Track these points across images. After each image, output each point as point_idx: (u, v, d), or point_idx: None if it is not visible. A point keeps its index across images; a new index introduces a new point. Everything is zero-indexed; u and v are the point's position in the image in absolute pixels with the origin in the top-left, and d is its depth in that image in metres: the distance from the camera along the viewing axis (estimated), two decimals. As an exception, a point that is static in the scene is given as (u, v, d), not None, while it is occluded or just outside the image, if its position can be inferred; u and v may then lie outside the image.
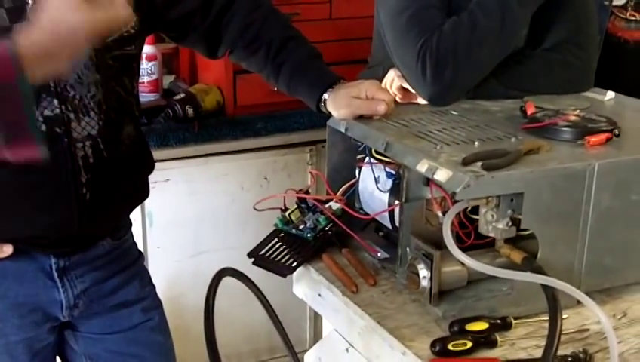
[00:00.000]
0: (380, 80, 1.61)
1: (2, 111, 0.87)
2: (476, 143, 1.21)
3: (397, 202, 1.25)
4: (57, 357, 1.53)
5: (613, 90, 1.55)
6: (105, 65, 1.31)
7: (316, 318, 2.59)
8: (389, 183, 1.29)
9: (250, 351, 2.59)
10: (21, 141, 0.90)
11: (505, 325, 1.12)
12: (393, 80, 1.63)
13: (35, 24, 0.90)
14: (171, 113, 2.34)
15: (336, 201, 1.38)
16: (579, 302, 1.09)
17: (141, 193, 1.52)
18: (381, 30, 1.63)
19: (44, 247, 1.35)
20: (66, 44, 0.90)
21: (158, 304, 1.56)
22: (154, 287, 1.57)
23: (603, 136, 1.22)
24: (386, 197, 1.29)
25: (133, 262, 1.52)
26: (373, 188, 1.33)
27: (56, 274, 1.38)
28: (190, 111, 2.34)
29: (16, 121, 0.89)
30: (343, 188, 1.39)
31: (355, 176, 1.38)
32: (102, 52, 1.29)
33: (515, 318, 1.13)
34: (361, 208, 1.38)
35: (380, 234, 1.38)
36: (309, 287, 1.35)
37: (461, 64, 1.46)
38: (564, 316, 1.02)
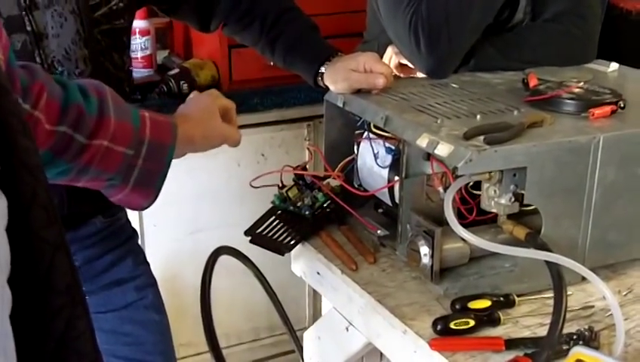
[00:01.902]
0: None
1: (148, 161, 1.04)
2: (478, 117, 1.18)
3: (397, 178, 1.22)
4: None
5: (614, 62, 1.52)
6: (93, 40, 1.27)
7: (315, 296, 2.57)
8: (389, 159, 1.26)
9: (248, 329, 2.58)
10: (143, 189, 1.06)
11: (508, 303, 1.10)
12: (391, 57, 1.60)
13: (187, 117, 1.15)
14: (166, 89, 2.29)
15: (334, 178, 1.35)
16: (583, 279, 1.07)
17: None
18: (374, 4, 1.59)
19: None
20: (206, 139, 1.17)
21: (152, 282, 1.54)
22: (148, 265, 1.54)
23: (608, 109, 1.19)
24: (385, 173, 1.27)
25: (126, 239, 1.49)
26: (372, 163, 1.30)
27: None
28: (185, 86, 2.29)
29: (152, 174, 1.06)
30: (341, 164, 1.36)
31: (354, 152, 1.35)
32: (90, 27, 1.26)
33: (519, 295, 1.11)
34: (360, 185, 1.35)
35: (380, 211, 1.36)
36: (307, 265, 1.33)
37: (454, 33, 1.44)
38: (568, 293, 1.00)
